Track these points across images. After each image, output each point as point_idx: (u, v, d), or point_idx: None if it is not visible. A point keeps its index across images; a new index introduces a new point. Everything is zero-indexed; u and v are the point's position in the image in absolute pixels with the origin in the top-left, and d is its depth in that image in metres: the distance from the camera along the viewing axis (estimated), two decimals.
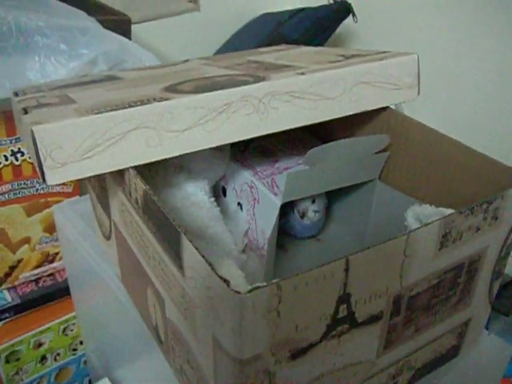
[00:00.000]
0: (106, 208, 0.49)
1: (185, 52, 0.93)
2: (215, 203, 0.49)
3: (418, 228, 0.34)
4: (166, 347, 0.42)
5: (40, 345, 0.75)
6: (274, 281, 0.29)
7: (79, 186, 0.71)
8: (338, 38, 1.00)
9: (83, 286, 0.64)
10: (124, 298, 0.50)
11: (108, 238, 0.52)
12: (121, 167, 0.38)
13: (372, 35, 0.97)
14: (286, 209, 0.54)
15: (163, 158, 0.40)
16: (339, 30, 0.92)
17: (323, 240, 0.57)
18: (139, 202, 0.38)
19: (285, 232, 0.56)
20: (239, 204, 0.52)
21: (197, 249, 0.30)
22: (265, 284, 0.28)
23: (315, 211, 0.54)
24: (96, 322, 0.65)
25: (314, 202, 0.53)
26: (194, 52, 0.84)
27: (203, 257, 0.30)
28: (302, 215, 0.53)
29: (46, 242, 0.71)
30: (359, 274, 0.32)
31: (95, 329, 0.67)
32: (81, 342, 0.79)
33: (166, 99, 0.39)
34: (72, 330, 0.77)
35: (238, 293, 0.28)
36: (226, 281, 0.28)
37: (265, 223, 0.48)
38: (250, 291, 0.28)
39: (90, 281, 0.58)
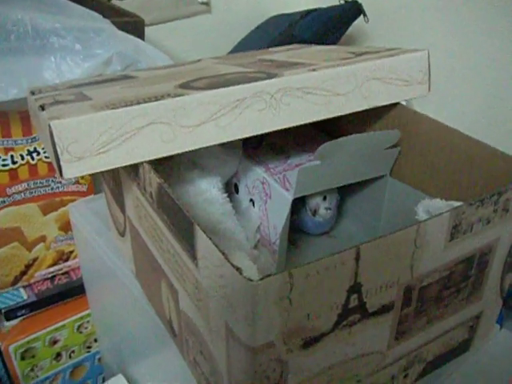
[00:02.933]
0: (121, 204, 0.49)
1: (197, 53, 0.94)
2: (228, 199, 0.49)
3: (429, 218, 0.34)
4: (179, 340, 0.43)
5: (55, 342, 0.76)
6: (286, 269, 0.29)
7: (94, 185, 0.72)
8: (350, 39, 1.01)
9: (98, 284, 0.65)
10: (138, 294, 0.51)
11: (122, 234, 0.52)
12: (135, 161, 0.39)
13: (383, 35, 0.97)
14: (298, 206, 0.54)
15: (177, 152, 0.40)
16: (350, 30, 0.93)
17: (335, 236, 0.57)
18: (153, 195, 0.39)
19: (297, 229, 0.56)
20: (251, 200, 0.53)
21: (210, 238, 0.31)
22: (277, 272, 0.29)
23: (327, 208, 0.54)
24: (110, 320, 0.65)
25: (325, 199, 0.53)
26: (205, 53, 0.85)
27: (216, 246, 0.30)
28: (314, 212, 0.54)
29: (62, 241, 0.72)
30: (370, 264, 0.33)
31: (109, 326, 0.68)
32: (95, 340, 0.80)
33: (180, 95, 0.40)
34: (86, 328, 0.78)
35: (251, 280, 0.28)
36: (238, 269, 0.29)
37: (277, 219, 0.49)
38: (261, 279, 0.28)
39: (104, 278, 0.59)
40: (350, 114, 0.47)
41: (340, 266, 0.31)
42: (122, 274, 0.54)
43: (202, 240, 0.32)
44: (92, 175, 0.71)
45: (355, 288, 0.33)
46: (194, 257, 0.34)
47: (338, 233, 0.58)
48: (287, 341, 0.32)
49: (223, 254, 0.30)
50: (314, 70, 0.45)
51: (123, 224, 0.51)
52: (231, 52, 0.98)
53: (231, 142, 0.51)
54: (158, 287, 0.44)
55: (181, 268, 0.37)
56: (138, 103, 0.39)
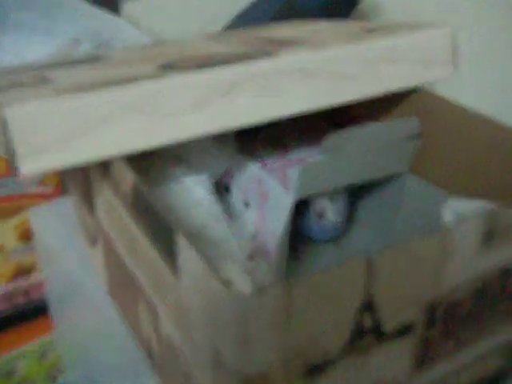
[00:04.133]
0: (91, 207, 0.49)
1: (183, 31, 0.94)
2: (217, 200, 0.49)
3: (457, 223, 0.34)
4: (159, 366, 0.43)
5: (11, 373, 0.75)
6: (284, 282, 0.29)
7: (61, 187, 0.72)
8: (362, 14, 1.01)
9: (64, 303, 0.64)
10: (112, 316, 0.50)
11: (93, 243, 0.52)
12: (106, 156, 0.39)
13: (401, 9, 0.97)
14: (301, 209, 0.54)
15: (155, 145, 0.40)
16: (362, 4, 0.93)
17: (344, 245, 0.57)
18: (128, 196, 0.38)
19: (300, 235, 0.56)
20: (246, 203, 0.52)
21: (193, 246, 0.30)
22: (273, 285, 0.28)
23: (335, 211, 0.54)
24: (80, 346, 0.65)
25: (333, 200, 0.53)
26: (193, 32, 0.85)
27: (200, 255, 0.30)
28: (320, 216, 0.54)
29: (21, 252, 0.72)
30: (385, 276, 0.32)
31: (79, 354, 0.67)
32: (62, 370, 0.79)
33: (159, 77, 0.40)
34: (51, 356, 0.77)
35: (240, 295, 0.28)
36: (225, 282, 0.28)
37: (275, 224, 0.48)
38: (254, 293, 0.28)
39: (72, 296, 0.58)
40: (361, 101, 0.47)
41: (349, 279, 0.31)
42: (93, 291, 0.53)
43: (183, 248, 0.31)
44: (59, 174, 0.71)
45: (368, 305, 0.33)
46: (174, 269, 0.34)
47: (347, 241, 0.58)
48: (287, 368, 0.31)
49: (208, 264, 0.29)
50: (317, 48, 0.45)
51: (94, 231, 0.50)
52: (223, 30, 0.97)
53: (221, 133, 0.51)
54: (134, 306, 0.44)
55: (160, 283, 0.37)
56: (109, 86, 0.38)
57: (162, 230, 0.34)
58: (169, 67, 0.43)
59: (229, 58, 0.44)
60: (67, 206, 0.62)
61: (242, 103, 0.42)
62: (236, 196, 0.54)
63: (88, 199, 0.49)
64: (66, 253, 0.58)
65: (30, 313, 0.74)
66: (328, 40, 0.48)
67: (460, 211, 0.43)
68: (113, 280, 0.49)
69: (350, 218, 0.59)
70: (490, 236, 0.35)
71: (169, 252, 0.34)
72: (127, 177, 0.37)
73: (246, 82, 0.42)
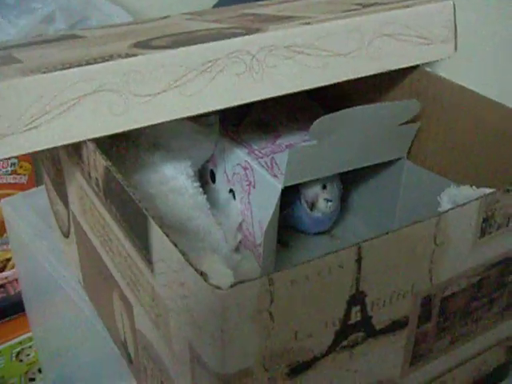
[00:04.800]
0: (64, 196, 0.49)
1: (166, 10, 0.93)
2: (200, 189, 0.49)
3: (452, 208, 0.33)
4: (136, 367, 0.43)
5: None
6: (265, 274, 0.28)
7: (35, 176, 0.72)
8: None
9: (40, 299, 0.64)
10: (89, 311, 0.50)
11: (67, 234, 0.52)
12: (76, 140, 0.38)
13: None
14: (291, 198, 0.53)
15: (130, 128, 0.40)
16: None
17: (338, 236, 0.57)
18: (100, 183, 0.38)
19: (290, 226, 0.56)
20: (231, 191, 0.52)
21: (168, 236, 0.30)
22: (253, 278, 0.28)
23: (327, 200, 0.53)
24: (57, 344, 0.65)
25: (325, 188, 0.53)
26: (178, 10, 0.84)
27: (175, 245, 0.29)
28: (311, 206, 0.53)
29: None
30: (376, 267, 0.32)
31: (56, 352, 0.67)
32: (39, 370, 0.79)
33: (135, 55, 0.39)
34: (28, 355, 0.77)
35: (219, 288, 0.27)
36: (202, 274, 0.28)
37: (263, 214, 0.48)
38: (232, 286, 0.27)
39: (47, 292, 0.59)
40: (355, 81, 0.46)
41: (337, 270, 0.31)
42: (69, 285, 0.53)
43: (157, 238, 0.31)
44: (33, 163, 0.70)
45: (357, 298, 0.32)
46: (149, 260, 0.33)
47: (341, 231, 0.58)
48: (269, 367, 0.31)
49: (183, 254, 0.29)
50: (307, 23, 0.45)
51: (67, 222, 0.50)
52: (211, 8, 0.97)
53: (205, 116, 0.51)
54: (109, 301, 0.44)
55: (135, 275, 0.37)
56: (80, 65, 0.38)
57: (135, 218, 0.33)
58: (143, 45, 0.42)
59: (210, 35, 0.44)
60: (41, 196, 0.62)
61: (224, 82, 0.41)
62: (221, 184, 0.53)
63: (60, 188, 0.49)
64: (40, 245, 0.58)
65: (7, 310, 0.74)
66: (319, 15, 0.48)
67: (459, 200, 0.42)
68: (87, 273, 0.49)
69: (343, 207, 0.59)
70: (487, 224, 0.35)
71: (143, 242, 0.33)
72: (98, 162, 0.37)
73: (228, 59, 0.41)
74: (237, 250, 0.51)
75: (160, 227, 0.31)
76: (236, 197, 0.51)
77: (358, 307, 0.33)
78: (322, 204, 0.53)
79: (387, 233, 0.31)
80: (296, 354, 0.32)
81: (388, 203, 0.55)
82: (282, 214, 0.50)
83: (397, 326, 0.35)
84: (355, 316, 0.33)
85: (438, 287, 0.35)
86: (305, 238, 0.56)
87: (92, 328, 0.49)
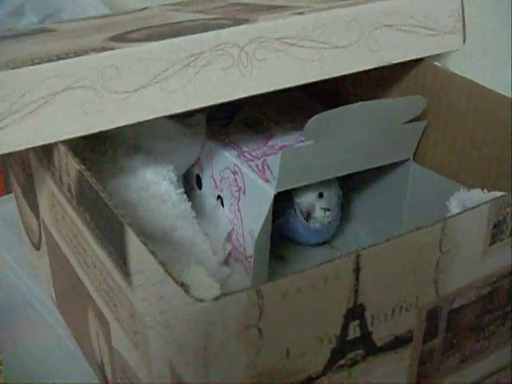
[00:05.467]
0: (34, 204, 0.49)
1: (146, 1, 0.94)
2: (185, 196, 0.49)
3: (459, 213, 0.34)
4: None
5: None
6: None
7: (3, 183, 0.72)
8: None
9: (8, 319, 0.64)
10: (62, 331, 0.50)
11: (37, 246, 0.52)
12: (47, 142, 0.38)
13: None
14: (285, 205, 0.53)
15: (106, 129, 0.40)
16: None
17: (339, 247, 0.57)
18: (72, 189, 0.38)
19: (285, 237, 0.56)
20: (219, 197, 0.52)
21: (145, 245, 0.30)
22: (240, 290, 0.28)
23: (325, 209, 0.53)
24: (28, 368, 0.64)
25: (321, 196, 0.53)
26: (157, 2, 0.84)
27: (153, 254, 0.29)
28: (307, 216, 0.53)
29: None
30: (376, 278, 0.32)
31: (27, 377, 0.67)
32: None
33: (110, 49, 0.39)
34: None
35: (201, 301, 0.27)
36: (183, 285, 0.28)
37: (254, 222, 0.48)
38: (216, 299, 0.27)
39: (17, 310, 0.58)
40: (354, 76, 0.47)
41: (333, 281, 0.31)
42: (41, 303, 0.53)
43: (135, 247, 0.31)
44: (2, 168, 0.70)
45: (356, 312, 0.32)
46: (126, 272, 0.34)
47: (342, 242, 0.58)
48: None
49: (162, 264, 0.29)
50: (300, 13, 0.45)
51: (38, 232, 0.50)
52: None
53: (189, 115, 0.51)
54: (84, 318, 0.44)
55: (111, 289, 0.37)
56: (51, 60, 0.38)
57: (111, 226, 0.34)
58: (120, 38, 0.43)
59: (193, 26, 0.44)
60: (9, 205, 0.62)
61: (209, 77, 0.41)
62: (207, 190, 0.54)
63: (30, 195, 0.49)
64: (7, 258, 0.58)
65: None
66: (314, 4, 0.48)
67: (469, 204, 0.42)
68: (59, 289, 0.49)
69: (344, 215, 0.58)
70: (498, 230, 0.35)
71: (119, 252, 0.33)
72: (71, 166, 0.37)
73: (213, 52, 0.41)
74: (226, 262, 0.51)
75: (137, 235, 0.31)
76: (224, 204, 0.51)
77: (357, 322, 0.33)
78: (319, 214, 0.53)
79: (388, 240, 0.32)
80: (288, 375, 0.32)
81: (393, 210, 0.55)
82: (275, 223, 0.50)
83: (400, 342, 0.35)
84: (354, 332, 0.33)
85: (444, 299, 0.36)
86: (302, 249, 0.56)
87: (66, 350, 0.49)
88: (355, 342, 0.33)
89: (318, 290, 0.30)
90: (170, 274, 0.28)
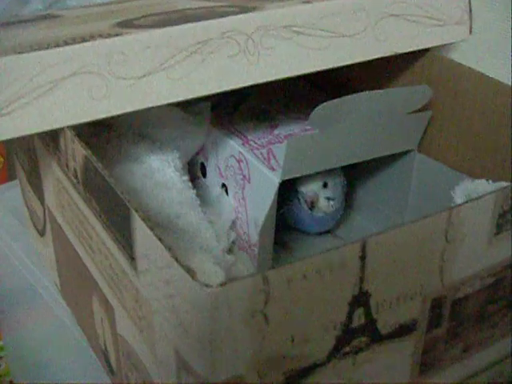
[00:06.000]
0: (39, 191, 0.49)
1: None
2: (189, 184, 0.49)
3: (465, 202, 0.34)
4: (119, 378, 0.43)
5: None
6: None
7: (6, 169, 0.72)
8: None
9: (13, 305, 0.64)
10: (67, 318, 0.51)
11: (42, 233, 0.52)
12: (53, 127, 0.38)
13: None
14: (290, 194, 0.53)
15: (112, 114, 0.40)
16: None
17: (342, 236, 0.57)
18: (78, 174, 0.38)
19: (289, 226, 0.56)
20: (224, 186, 0.52)
21: (152, 229, 0.30)
22: (246, 276, 0.28)
23: (329, 198, 0.53)
24: (30, 354, 0.65)
25: (326, 185, 0.53)
26: None
27: (160, 239, 0.29)
28: (311, 205, 0.53)
29: None
30: (381, 266, 0.32)
31: (30, 363, 0.67)
32: (10, 383, 0.79)
33: (117, 35, 0.40)
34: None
35: (208, 286, 0.27)
36: (190, 270, 0.28)
37: (259, 211, 0.48)
38: (222, 285, 0.27)
39: (21, 296, 0.59)
40: (360, 65, 0.47)
41: (339, 268, 0.31)
42: (45, 290, 0.53)
43: (141, 232, 0.31)
44: (6, 154, 0.70)
45: (361, 299, 0.32)
46: (132, 257, 0.34)
47: (346, 231, 0.58)
48: (263, 375, 0.31)
49: (169, 249, 0.29)
50: (308, 1, 0.45)
51: (42, 219, 0.50)
52: None
53: (195, 103, 0.51)
54: (88, 304, 0.44)
55: (116, 274, 0.37)
56: (58, 46, 0.38)
57: (117, 211, 0.34)
58: (127, 24, 0.43)
59: (200, 13, 0.44)
60: (14, 191, 0.62)
61: (216, 65, 0.41)
62: (212, 179, 0.54)
63: (35, 181, 0.49)
64: (13, 245, 0.58)
65: None
66: None
67: (474, 194, 0.43)
68: (64, 275, 0.49)
69: (348, 205, 0.59)
70: (504, 219, 0.35)
71: (125, 237, 0.34)
72: (77, 151, 0.37)
73: (220, 40, 0.41)
74: (230, 251, 0.51)
75: (144, 220, 0.31)
76: (229, 192, 0.52)
77: (362, 309, 0.33)
78: (323, 203, 0.53)
79: (394, 228, 0.32)
80: (293, 361, 0.32)
81: (397, 200, 0.55)
82: (280, 212, 0.50)
83: (404, 330, 0.35)
84: (358, 319, 0.33)
85: (449, 288, 0.36)
86: (306, 238, 0.57)
87: (70, 336, 0.50)
88: (360, 330, 0.33)
89: (324, 277, 0.30)
90: (176, 259, 0.29)
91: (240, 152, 0.50)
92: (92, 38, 0.39)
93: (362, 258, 0.31)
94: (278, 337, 0.30)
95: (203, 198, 0.51)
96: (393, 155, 0.52)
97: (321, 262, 0.30)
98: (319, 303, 0.31)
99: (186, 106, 0.51)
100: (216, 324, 0.28)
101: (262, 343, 0.30)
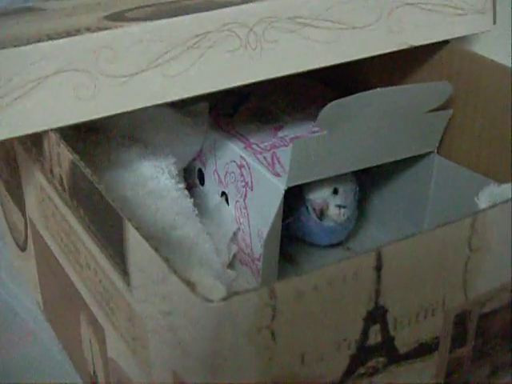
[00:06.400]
0: (19, 201, 0.49)
1: None
2: (186, 192, 0.49)
3: (490, 207, 0.34)
4: None
5: None
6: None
7: None
8: None
9: None
10: (49, 341, 0.50)
11: (23, 248, 0.52)
12: (36, 130, 0.39)
13: None
14: (297, 202, 0.54)
15: (100, 116, 0.40)
16: None
17: (355, 248, 0.57)
18: (64, 181, 0.38)
19: (296, 238, 0.56)
20: (224, 194, 0.53)
21: (148, 240, 0.30)
22: (251, 289, 0.28)
23: (340, 206, 0.53)
24: (10, 382, 0.65)
25: (336, 192, 0.53)
26: None
27: (156, 250, 0.30)
28: (320, 213, 0.53)
29: None
30: (398, 277, 0.32)
31: None
32: None
33: (106, 29, 0.40)
34: None
35: (209, 301, 0.28)
36: (190, 284, 0.28)
37: (262, 221, 0.48)
38: (225, 299, 0.28)
39: (1, 318, 0.58)
40: (373, 60, 0.47)
41: (352, 280, 0.31)
42: (25, 310, 0.53)
43: (135, 243, 0.32)
44: None
45: (377, 315, 0.33)
46: (124, 271, 0.34)
47: (359, 243, 0.58)
48: None
49: (166, 260, 0.29)
50: None
51: (23, 232, 0.50)
52: None
53: (191, 103, 0.51)
54: (75, 326, 0.44)
55: (107, 291, 0.37)
56: (41, 41, 0.39)
57: (108, 221, 0.34)
58: (117, 17, 0.43)
59: (197, 4, 0.44)
60: None
61: (215, 61, 0.42)
62: (211, 186, 0.54)
63: (15, 191, 0.49)
64: None
65: None
66: None
67: (500, 199, 0.43)
68: (48, 294, 0.49)
69: (361, 214, 0.59)
70: None
71: (117, 250, 0.34)
72: (63, 155, 0.37)
73: (219, 33, 0.42)
74: (231, 265, 0.51)
75: (138, 230, 0.31)
76: (229, 201, 0.52)
77: (378, 326, 0.33)
78: (333, 211, 0.53)
79: (412, 235, 0.32)
80: (303, 382, 0.32)
81: (415, 208, 0.55)
82: (285, 222, 0.50)
83: (425, 349, 0.35)
84: (374, 337, 0.33)
85: (474, 302, 0.36)
86: (314, 251, 0.57)
87: (54, 361, 0.50)
88: (376, 348, 0.33)
89: (336, 290, 0.30)
90: (174, 271, 0.29)
91: (241, 157, 0.50)
92: (78, 32, 0.39)
93: (378, 268, 0.31)
94: (286, 355, 0.31)
95: (201, 207, 0.51)
96: (410, 158, 0.53)
97: (333, 274, 0.30)
98: (331, 318, 0.31)
99: (181, 106, 0.51)
100: (218, 342, 0.28)
101: (269, 363, 0.30)
